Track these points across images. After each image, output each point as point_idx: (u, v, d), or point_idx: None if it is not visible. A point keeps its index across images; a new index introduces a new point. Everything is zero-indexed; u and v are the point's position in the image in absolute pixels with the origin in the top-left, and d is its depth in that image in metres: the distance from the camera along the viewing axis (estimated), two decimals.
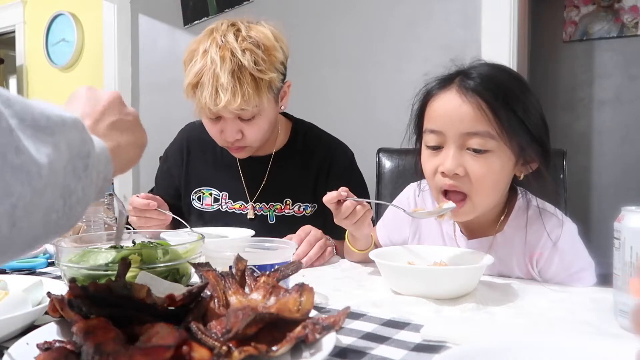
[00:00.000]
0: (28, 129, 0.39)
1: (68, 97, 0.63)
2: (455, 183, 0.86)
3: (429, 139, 0.90)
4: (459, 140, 0.86)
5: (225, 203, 1.36)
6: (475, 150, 0.85)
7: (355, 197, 0.95)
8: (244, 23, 1.19)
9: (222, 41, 1.14)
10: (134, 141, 0.64)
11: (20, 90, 3.66)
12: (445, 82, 0.90)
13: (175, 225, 1.44)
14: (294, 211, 1.32)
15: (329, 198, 0.93)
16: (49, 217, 0.42)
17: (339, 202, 0.93)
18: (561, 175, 1.28)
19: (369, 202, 0.97)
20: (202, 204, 1.37)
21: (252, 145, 1.25)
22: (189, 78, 1.16)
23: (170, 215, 1.19)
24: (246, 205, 1.34)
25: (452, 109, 0.86)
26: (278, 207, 1.32)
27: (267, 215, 1.32)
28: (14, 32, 3.71)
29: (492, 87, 0.85)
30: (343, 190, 0.93)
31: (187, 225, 1.17)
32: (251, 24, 1.20)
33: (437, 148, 0.89)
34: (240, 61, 1.11)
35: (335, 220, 0.97)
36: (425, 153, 0.92)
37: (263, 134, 1.25)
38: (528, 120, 0.85)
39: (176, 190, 1.41)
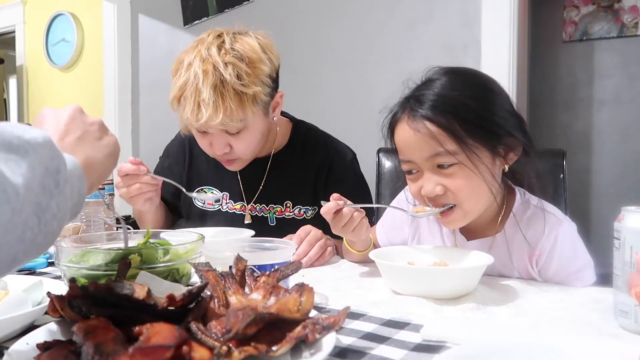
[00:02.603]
0: (1, 151, 0.41)
1: (33, 121, 0.65)
2: (440, 201, 0.89)
3: (403, 166, 0.93)
4: (428, 164, 0.88)
5: (226, 204, 1.35)
6: (445, 167, 0.87)
7: (350, 201, 0.94)
8: (229, 34, 1.16)
9: (205, 54, 1.12)
10: (104, 150, 0.64)
11: (20, 90, 3.66)
12: (399, 109, 0.93)
13: (171, 219, 1.44)
14: (294, 214, 1.31)
15: (327, 210, 0.92)
16: (24, 236, 0.43)
17: (336, 212, 0.93)
18: (561, 175, 1.28)
19: (368, 206, 0.97)
20: (203, 204, 1.36)
21: (243, 157, 1.23)
22: (173, 92, 1.14)
23: (161, 179, 1.16)
24: (246, 206, 1.34)
25: (407, 139, 0.89)
26: (278, 209, 1.31)
27: (267, 217, 1.32)
28: (14, 32, 3.71)
29: (440, 107, 0.86)
30: (339, 199, 0.93)
31: (183, 189, 1.17)
32: (237, 35, 1.17)
33: (414, 173, 0.92)
34: (222, 75, 1.09)
35: (332, 230, 0.96)
36: (406, 177, 0.95)
37: (253, 147, 1.23)
38: (490, 122, 0.87)
39: (176, 188, 1.39)
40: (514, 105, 0.92)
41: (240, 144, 1.19)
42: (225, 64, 1.10)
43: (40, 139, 0.46)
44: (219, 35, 1.16)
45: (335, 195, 0.94)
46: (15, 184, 0.40)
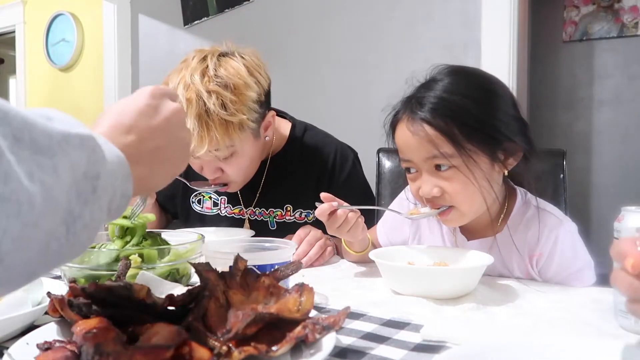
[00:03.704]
0: (24, 150, 0.36)
1: (130, 96, 0.56)
2: (438, 202, 0.89)
3: (403, 165, 0.93)
4: (426, 165, 0.88)
5: (225, 208, 1.34)
6: (443, 170, 0.87)
7: (345, 203, 0.94)
8: (214, 58, 1.11)
9: (189, 81, 1.08)
10: (171, 170, 0.57)
11: (20, 90, 3.66)
12: (400, 109, 0.92)
13: (165, 220, 1.43)
14: (295, 218, 1.30)
15: (321, 212, 0.92)
16: (48, 248, 0.38)
17: (331, 213, 0.92)
18: (561, 175, 1.28)
19: (367, 208, 0.97)
20: (202, 207, 1.36)
21: (236, 181, 1.21)
22: None
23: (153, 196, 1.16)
24: (245, 211, 1.33)
25: (406, 140, 0.89)
26: (279, 213, 1.30)
27: (267, 221, 1.31)
28: (14, 32, 3.71)
29: (440, 110, 0.86)
30: (331, 200, 0.93)
31: (186, 182, 1.16)
32: (222, 58, 1.12)
33: (414, 173, 0.91)
34: (206, 105, 1.05)
35: (328, 231, 0.96)
36: (407, 176, 0.95)
37: (244, 171, 1.20)
38: (490, 127, 0.86)
39: (170, 190, 1.38)
40: (519, 109, 0.92)
41: (231, 168, 1.17)
42: (209, 92, 1.06)
43: (75, 140, 0.40)
44: (204, 59, 1.11)
45: (326, 196, 0.93)
46: (31, 193, 0.35)
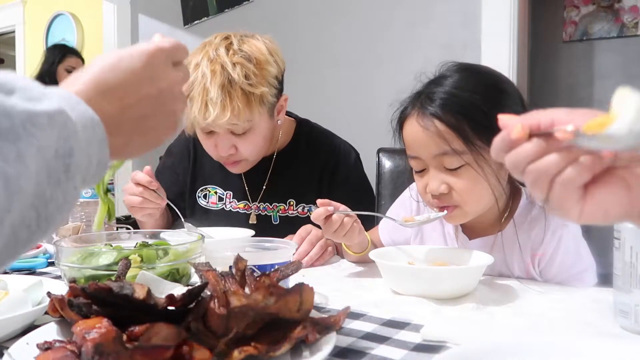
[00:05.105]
0: None
1: (128, 49, 0.48)
2: (444, 199, 0.89)
3: (411, 163, 0.93)
4: (435, 162, 0.88)
5: (230, 202, 1.36)
6: (451, 169, 0.86)
7: (342, 206, 0.94)
8: (237, 37, 1.18)
9: (213, 55, 1.13)
10: (152, 142, 0.50)
11: None
12: (409, 105, 0.92)
13: (171, 222, 1.43)
14: (298, 212, 1.31)
15: (317, 215, 0.92)
16: (16, 238, 0.34)
17: (327, 217, 0.93)
18: None
19: (363, 214, 0.97)
20: (207, 202, 1.37)
21: (248, 159, 1.24)
22: None
23: (165, 200, 1.16)
24: (250, 205, 1.34)
25: (416, 135, 0.89)
26: (282, 207, 1.32)
27: (270, 215, 1.32)
28: (14, 32, 3.71)
29: (450, 107, 0.85)
30: (327, 205, 0.93)
31: (181, 216, 1.16)
32: (245, 37, 1.18)
33: (421, 170, 0.91)
34: (230, 75, 1.10)
35: (325, 235, 0.96)
36: (414, 173, 0.94)
37: (258, 149, 1.23)
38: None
39: (180, 187, 1.39)
40: (527, 108, 0.92)
41: (245, 145, 1.19)
42: (234, 64, 1.11)
43: (43, 119, 0.35)
44: (227, 37, 1.17)
45: (323, 201, 0.93)
46: None
